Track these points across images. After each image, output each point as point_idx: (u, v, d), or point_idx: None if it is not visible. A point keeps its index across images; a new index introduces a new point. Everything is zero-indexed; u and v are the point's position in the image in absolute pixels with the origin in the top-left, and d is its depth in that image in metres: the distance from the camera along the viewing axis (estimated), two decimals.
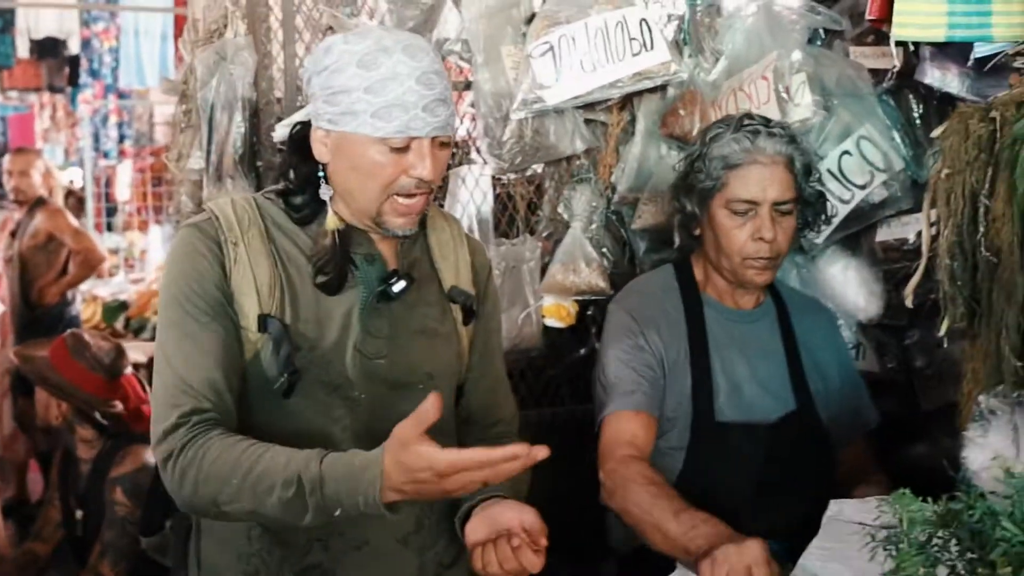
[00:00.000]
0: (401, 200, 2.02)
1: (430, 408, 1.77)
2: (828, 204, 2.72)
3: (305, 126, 2.11)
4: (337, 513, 1.83)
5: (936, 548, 1.61)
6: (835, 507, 2.15)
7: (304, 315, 2.05)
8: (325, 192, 2.09)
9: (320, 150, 2.07)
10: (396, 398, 2.10)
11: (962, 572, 1.54)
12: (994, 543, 1.51)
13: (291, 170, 2.13)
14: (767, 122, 2.55)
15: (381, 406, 2.09)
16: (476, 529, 2.01)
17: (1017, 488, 1.53)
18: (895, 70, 2.89)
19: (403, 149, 1.99)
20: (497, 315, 2.38)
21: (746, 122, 2.54)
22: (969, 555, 1.57)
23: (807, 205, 2.62)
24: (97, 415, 3.75)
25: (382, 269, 2.13)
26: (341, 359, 2.06)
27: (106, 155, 11.32)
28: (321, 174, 2.09)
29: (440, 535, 2.20)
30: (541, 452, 1.77)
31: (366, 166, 2.01)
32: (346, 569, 2.11)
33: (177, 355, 2.00)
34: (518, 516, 1.97)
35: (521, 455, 1.77)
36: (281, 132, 2.18)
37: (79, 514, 3.77)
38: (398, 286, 2.10)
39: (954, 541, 1.61)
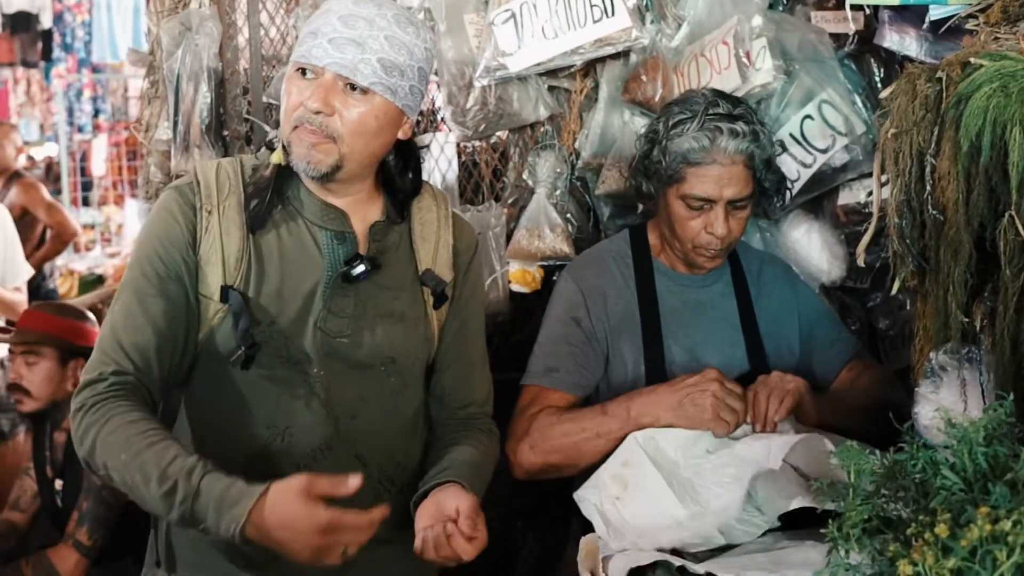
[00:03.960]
0: (301, 130, 2.03)
1: (350, 485, 1.83)
2: (785, 185, 2.73)
3: None
4: (200, 528, 1.85)
5: (883, 498, 1.65)
6: None
7: (267, 289, 2.07)
8: (273, 132, 2.13)
9: None
10: (357, 378, 2.13)
11: (906, 520, 1.58)
12: (935, 492, 1.55)
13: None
14: (731, 114, 2.50)
15: (341, 384, 2.12)
16: (422, 513, 2.03)
17: (957, 438, 1.56)
18: (855, 34, 2.91)
19: (306, 77, 2.02)
20: (477, 299, 2.38)
21: (710, 113, 2.50)
22: (913, 505, 1.61)
23: (764, 195, 2.64)
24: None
25: (352, 249, 2.14)
26: (300, 335, 2.08)
27: (81, 129, 11.24)
28: None
29: (402, 506, 2.18)
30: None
31: (284, 93, 2.05)
32: None
33: (121, 312, 2.03)
34: (456, 503, 2.00)
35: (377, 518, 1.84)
36: None
37: (58, 484, 3.78)
38: (357, 270, 2.11)
39: (900, 492, 1.66)
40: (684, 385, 2.39)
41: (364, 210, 2.18)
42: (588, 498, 2.29)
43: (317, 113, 2.00)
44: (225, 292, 2.05)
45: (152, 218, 2.10)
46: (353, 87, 2.01)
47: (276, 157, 2.10)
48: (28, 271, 5.26)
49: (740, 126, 2.49)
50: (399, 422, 2.21)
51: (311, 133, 2.01)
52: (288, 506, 1.80)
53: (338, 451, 2.12)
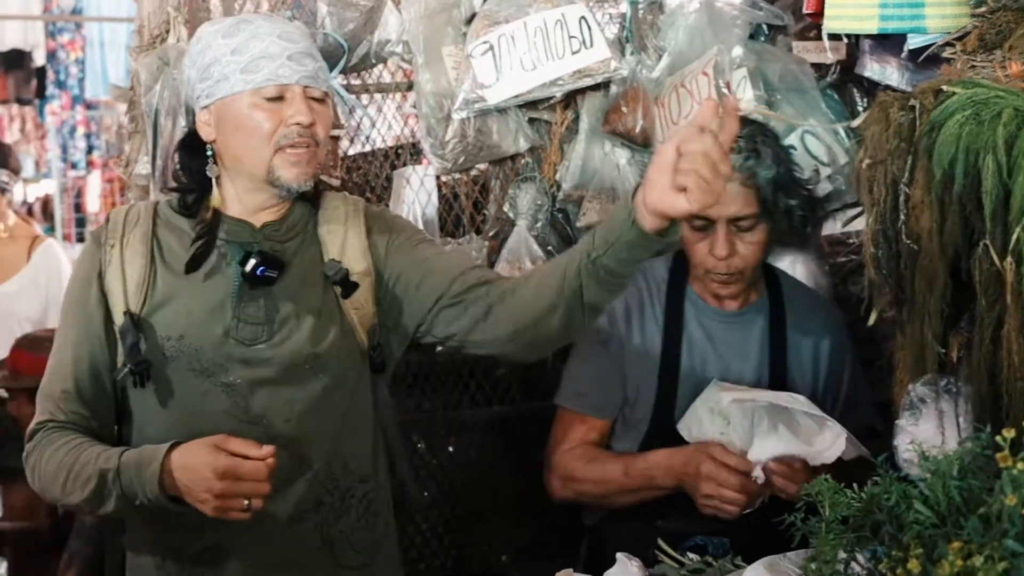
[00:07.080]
0: (289, 151, 2.09)
1: (263, 451, 1.96)
2: (816, 212, 2.65)
3: (190, 133, 2.22)
4: (137, 503, 2.00)
5: (856, 532, 1.62)
6: None
7: (176, 306, 2.14)
8: (211, 171, 2.17)
9: (205, 131, 2.16)
10: (283, 381, 2.16)
11: (880, 555, 1.55)
12: (908, 526, 1.52)
13: (184, 170, 2.23)
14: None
15: (267, 390, 2.15)
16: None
17: (931, 471, 1.54)
18: (838, 64, 2.90)
19: (277, 99, 2.08)
20: (414, 237, 2.33)
21: None
22: (888, 539, 1.58)
23: (776, 219, 2.53)
24: None
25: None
26: (212, 346, 2.13)
27: (75, 166, 11.28)
28: (210, 154, 2.18)
29: (344, 512, 2.21)
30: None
31: (245, 123, 2.09)
32: (243, 547, 2.15)
33: (53, 359, 2.21)
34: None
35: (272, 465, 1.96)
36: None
37: (60, 509, 3.78)
38: (249, 264, 2.13)
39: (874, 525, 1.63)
40: (682, 465, 2.43)
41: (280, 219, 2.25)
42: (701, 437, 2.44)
43: (307, 127, 2.09)
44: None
45: (75, 265, 2.25)
46: (315, 97, 2.12)
47: (215, 201, 2.18)
48: None
49: (737, 143, 2.41)
50: (340, 422, 2.22)
51: (305, 148, 2.10)
52: (192, 453, 1.97)
53: (278, 455, 2.05)
